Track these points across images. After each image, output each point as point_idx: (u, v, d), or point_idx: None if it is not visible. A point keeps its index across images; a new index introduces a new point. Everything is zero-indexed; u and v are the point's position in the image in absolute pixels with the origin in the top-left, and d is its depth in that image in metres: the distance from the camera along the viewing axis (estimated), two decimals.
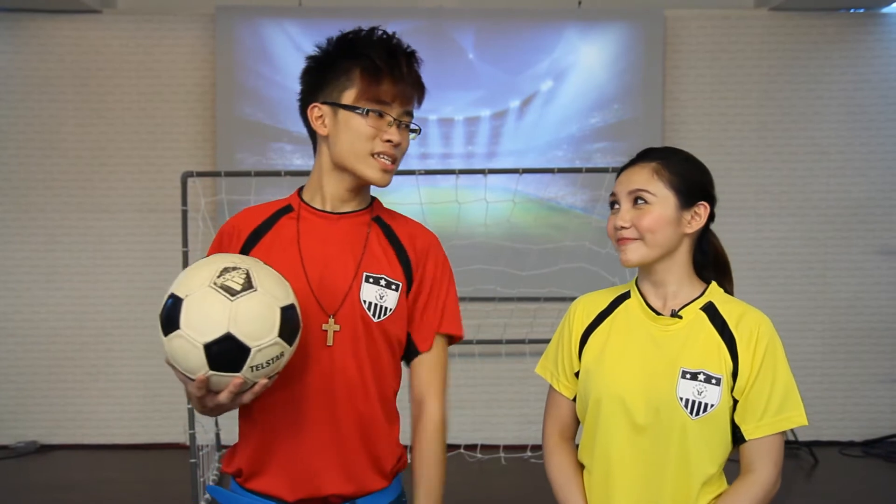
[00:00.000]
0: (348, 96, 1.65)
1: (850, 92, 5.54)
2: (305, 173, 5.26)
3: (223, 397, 1.46)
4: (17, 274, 5.46)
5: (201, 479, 4.13)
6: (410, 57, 1.68)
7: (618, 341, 1.72)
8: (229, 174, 4.56)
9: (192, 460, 4.06)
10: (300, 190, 1.78)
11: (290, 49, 5.34)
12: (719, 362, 1.64)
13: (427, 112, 5.37)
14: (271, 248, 1.67)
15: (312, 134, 1.73)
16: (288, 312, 1.45)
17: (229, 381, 1.43)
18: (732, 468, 1.68)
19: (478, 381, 5.38)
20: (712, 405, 1.62)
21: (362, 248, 1.71)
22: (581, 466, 1.78)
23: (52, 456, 5.33)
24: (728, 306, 1.69)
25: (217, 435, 4.89)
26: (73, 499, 4.53)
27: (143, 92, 5.45)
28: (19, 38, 5.40)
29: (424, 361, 1.74)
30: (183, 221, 4.24)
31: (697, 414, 1.62)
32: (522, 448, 5.12)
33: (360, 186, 1.72)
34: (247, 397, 1.48)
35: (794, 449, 5.20)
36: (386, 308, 1.68)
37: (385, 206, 1.82)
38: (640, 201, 1.68)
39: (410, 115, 1.70)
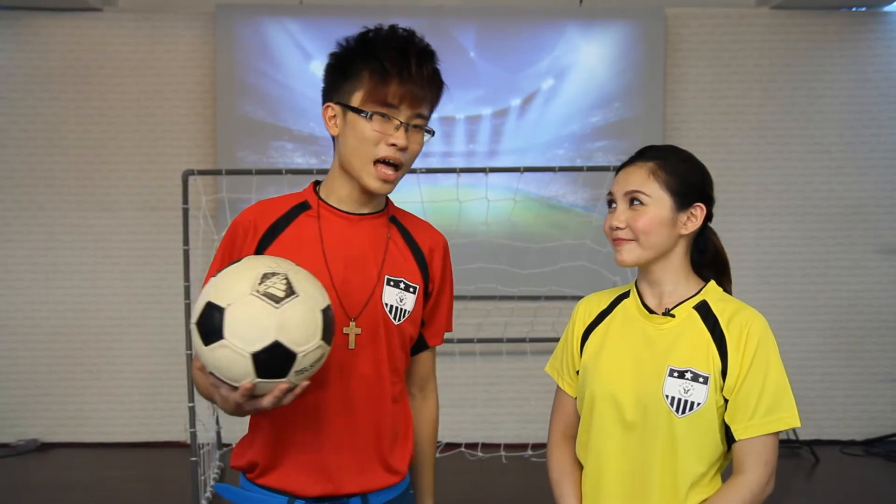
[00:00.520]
0: (356, 98, 1.62)
1: (852, 90, 5.54)
2: (307, 172, 5.26)
3: (267, 401, 1.45)
4: (17, 272, 5.46)
5: (202, 478, 4.14)
6: (423, 56, 1.63)
7: (614, 340, 1.74)
8: (230, 172, 4.56)
9: (193, 458, 4.06)
10: (315, 185, 1.76)
11: (291, 47, 5.33)
12: (707, 361, 1.64)
13: None
14: (293, 247, 1.65)
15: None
16: (328, 314, 1.47)
17: (274, 387, 1.43)
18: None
19: (478, 380, 5.38)
20: (698, 404, 1.62)
21: (384, 251, 1.71)
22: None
23: (52, 454, 5.34)
24: (721, 305, 1.69)
25: (218, 433, 4.90)
26: (73, 497, 4.53)
27: (144, 90, 5.45)
28: (20, 37, 5.40)
29: (428, 356, 1.86)
30: (184, 220, 4.24)
31: (683, 412, 1.62)
32: (523, 447, 5.12)
33: (369, 191, 1.70)
34: (288, 399, 1.47)
35: (794, 448, 5.20)
36: (405, 311, 1.71)
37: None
38: (635, 202, 1.68)
39: (423, 117, 1.65)
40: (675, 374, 1.64)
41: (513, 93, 5.46)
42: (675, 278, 1.72)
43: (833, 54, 5.52)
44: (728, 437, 1.65)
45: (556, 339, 5.56)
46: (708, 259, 1.79)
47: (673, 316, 1.70)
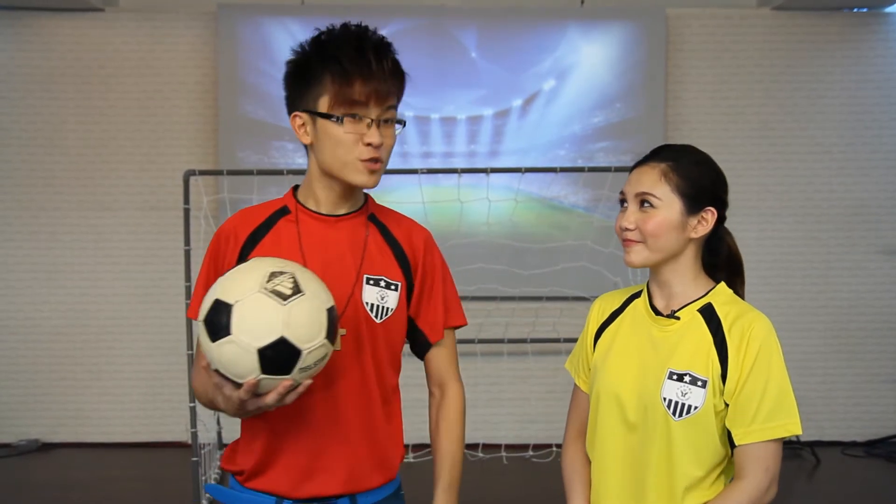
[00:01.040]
0: (323, 103, 1.61)
1: (853, 91, 5.53)
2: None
3: (271, 399, 1.46)
4: (18, 272, 5.46)
5: (203, 478, 4.14)
6: (381, 50, 1.61)
7: (623, 340, 1.75)
8: (231, 173, 4.56)
9: (194, 458, 4.06)
10: (294, 190, 1.76)
11: (293, 46, 5.32)
12: (707, 364, 1.63)
13: (429, 111, 5.37)
14: (272, 252, 1.65)
15: None
16: (332, 314, 1.49)
17: (277, 384, 1.44)
18: None
19: (479, 381, 5.37)
20: (696, 407, 1.61)
21: (362, 251, 1.71)
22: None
23: (53, 454, 5.34)
24: (726, 308, 1.67)
25: (219, 433, 4.89)
26: (74, 497, 4.53)
27: (144, 90, 5.45)
28: (21, 36, 5.40)
29: (439, 352, 1.82)
30: (185, 220, 4.24)
31: (680, 415, 1.61)
32: (524, 447, 5.12)
33: (352, 190, 1.71)
34: (290, 398, 1.48)
35: (796, 449, 5.19)
36: (388, 308, 1.70)
37: (386, 205, 1.82)
38: (646, 204, 1.67)
39: (393, 108, 1.65)
40: (674, 377, 1.63)
41: (514, 93, 5.46)
42: (684, 280, 1.71)
43: (834, 55, 5.52)
44: (732, 442, 1.64)
45: (557, 340, 5.52)
46: (721, 260, 1.77)
47: (678, 318, 1.69)
